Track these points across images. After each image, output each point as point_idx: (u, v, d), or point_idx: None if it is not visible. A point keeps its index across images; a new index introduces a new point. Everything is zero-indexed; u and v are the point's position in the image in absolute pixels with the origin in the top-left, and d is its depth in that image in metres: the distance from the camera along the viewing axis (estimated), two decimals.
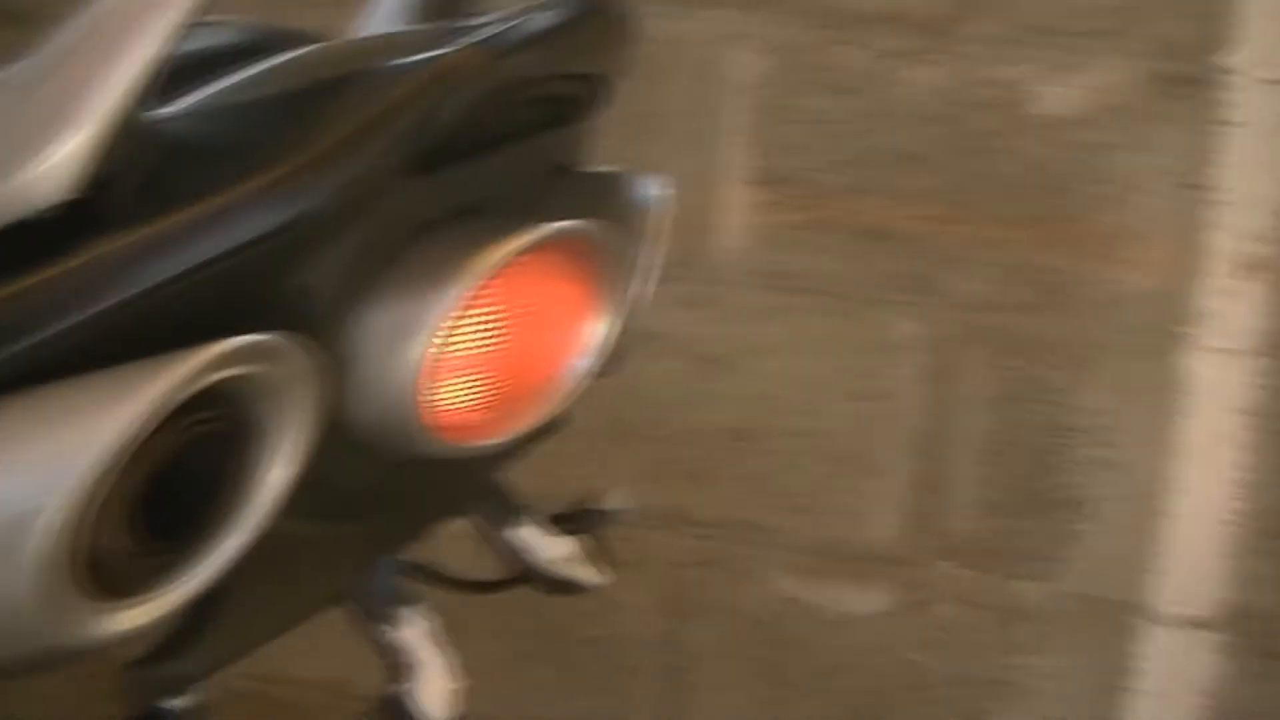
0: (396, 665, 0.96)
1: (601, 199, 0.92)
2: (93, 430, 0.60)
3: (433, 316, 0.74)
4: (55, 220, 0.64)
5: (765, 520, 1.67)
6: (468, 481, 0.99)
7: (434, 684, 0.96)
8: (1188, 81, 1.50)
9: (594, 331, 0.88)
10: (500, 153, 0.82)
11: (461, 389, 0.80)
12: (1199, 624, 1.61)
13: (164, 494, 0.65)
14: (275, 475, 0.70)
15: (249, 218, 0.67)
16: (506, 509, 1.03)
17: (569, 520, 1.06)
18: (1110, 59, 1.53)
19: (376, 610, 0.97)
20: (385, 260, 0.75)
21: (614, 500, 1.08)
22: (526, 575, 1.04)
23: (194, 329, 0.64)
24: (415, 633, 0.97)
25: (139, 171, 0.67)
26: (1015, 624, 1.64)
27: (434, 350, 0.74)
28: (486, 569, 1.05)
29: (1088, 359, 1.59)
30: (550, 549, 1.04)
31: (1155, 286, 1.56)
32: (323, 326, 0.72)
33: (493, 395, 0.83)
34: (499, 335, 0.81)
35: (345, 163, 0.70)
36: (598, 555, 1.06)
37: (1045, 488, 1.62)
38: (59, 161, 0.62)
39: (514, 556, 1.03)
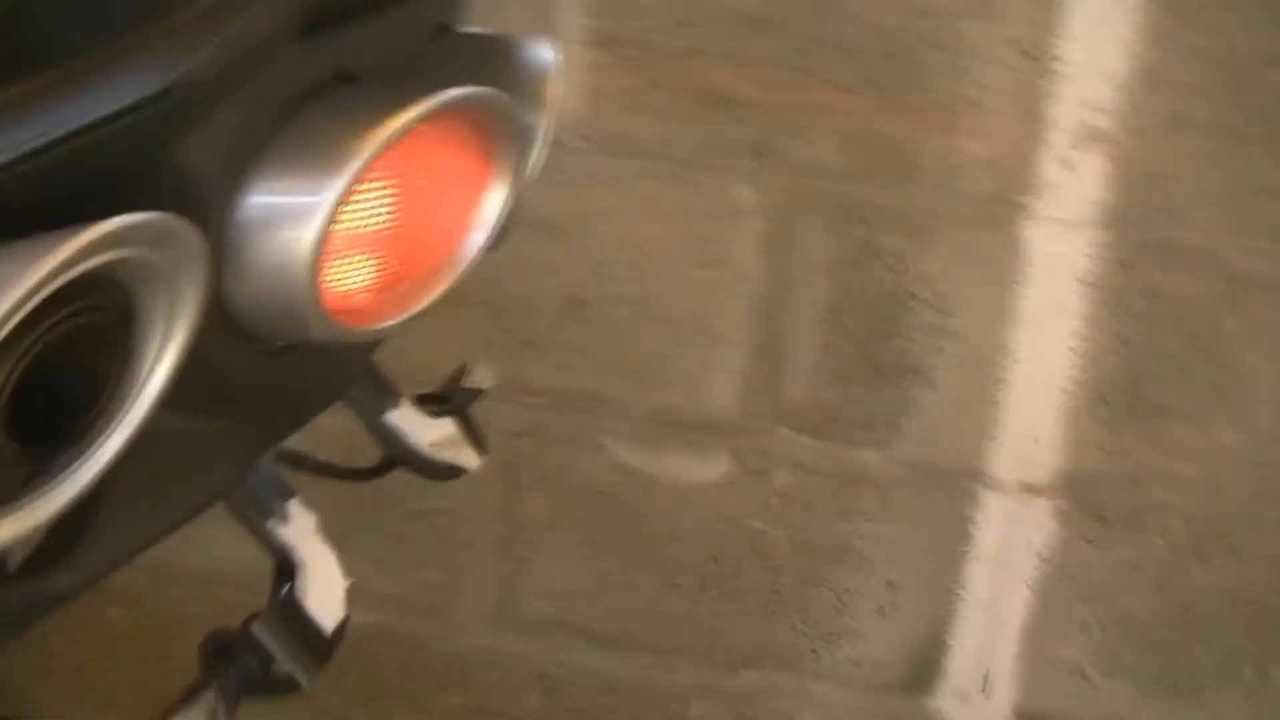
0: (285, 562, 1.01)
1: (493, 64, 0.94)
2: None
3: (329, 194, 0.74)
4: None
5: (602, 389, 1.78)
6: (346, 367, 1.01)
7: (324, 582, 1.01)
8: None
9: (490, 204, 0.89)
10: (381, 13, 0.83)
11: (353, 270, 0.81)
12: (1035, 490, 1.80)
13: (36, 394, 0.63)
14: (159, 368, 0.69)
15: (121, 84, 0.64)
16: (383, 393, 1.08)
17: (440, 401, 1.11)
18: None
19: (262, 505, 1.01)
20: (268, 133, 0.74)
21: (480, 378, 1.13)
22: (405, 460, 1.09)
23: (59, 212, 0.61)
24: (300, 527, 1.02)
25: None
26: (854, 490, 1.78)
27: (331, 229, 0.74)
28: (353, 456, 1.11)
29: (928, 228, 1.72)
30: (427, 432, 1.09)
31: (996, 156, 1.66)
32: (205, 207, 0.71)
33: (385, 276, 0.84)
34: (392, 211, 0.82)
35: (223, 24, 0.68)
36: (472, 437, 1.12)
37: (885, 355, 1.77)
38: None
39: (394, 440, 1.08)
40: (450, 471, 1.11)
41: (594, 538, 1.85)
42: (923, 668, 1.84)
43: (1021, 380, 1.73)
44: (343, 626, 1.03)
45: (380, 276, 0.83)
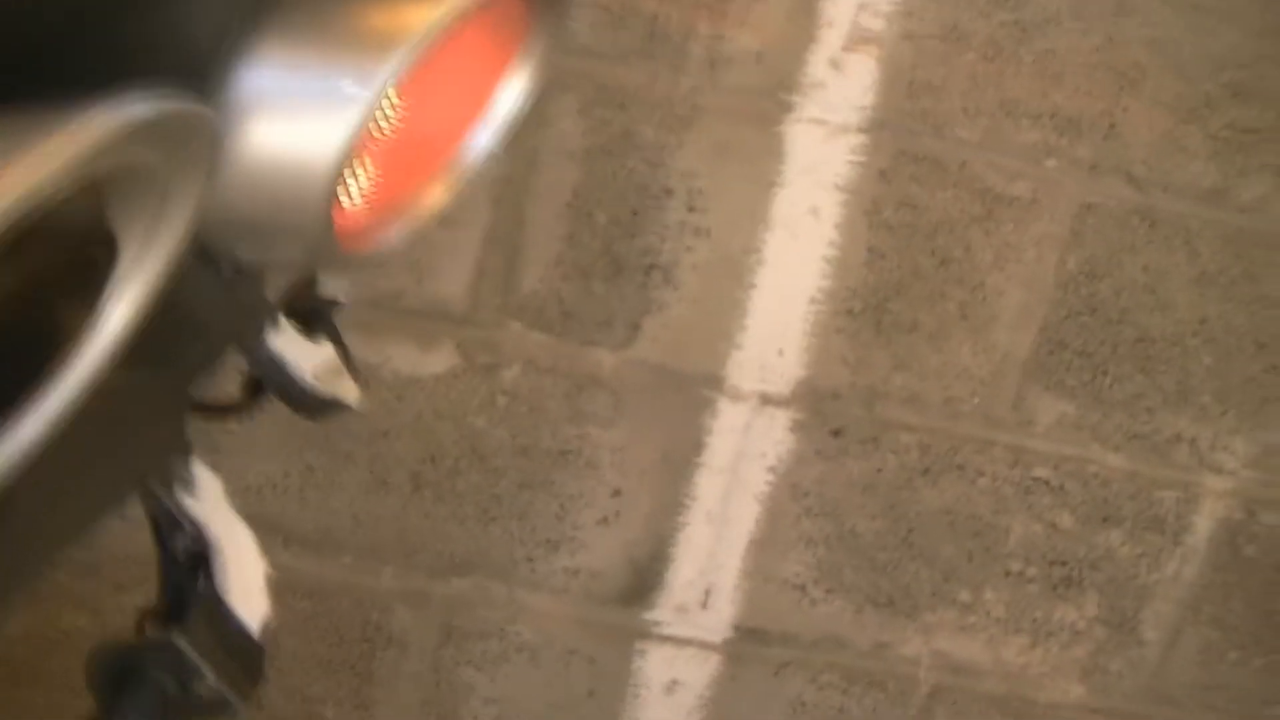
0: (196, 544, 0.84)
1: None
2: None
3: (378, 78, 0.60)
4: None
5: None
6: (255, 293, 0.85)
7: (243, 569, 0.85)
8: None
9: (505, 96, 0.77)
10: None
11: (354, 181, 0.69)
12: (773, 401, 1.81)
13: None
14: (120, 307, 0.54)
15: None
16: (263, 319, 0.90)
17: (309, 316, 0.94)
18: None
19: (170, 472, 0.84)
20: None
21: (335, 290, 0.98)
22: (280, 390, 0.91)
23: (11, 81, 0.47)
24: (209, 496, 0.86)
25: None
26: (586, 393, 1.75)
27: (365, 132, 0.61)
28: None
29: (686, 119, 1.69)
30: (308, 356, 0.93)
31: (765, 49, 1.65)
32: (202, 81, 0.57)
33: (381, 186, 0.71)
34: (401, 110, 0.68)
35: None
36: (350, 364, 0.97)
37: (629, 251, 1.73)
38: None
39: (271, 367, 0.90)
40: (330, 406, 0.95)
41: (297, 429, 1.75)
42: (643, 579, 1.83)
43: (770, 287, 1.71)
44: (267, 628, 0.87)
45: (376, 187, 0.70)
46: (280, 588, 1.76)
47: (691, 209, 1.68)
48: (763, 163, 1.67)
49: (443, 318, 1.71)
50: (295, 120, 0.60)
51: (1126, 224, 1.73)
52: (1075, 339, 1.77)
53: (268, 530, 1.76)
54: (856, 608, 1.87)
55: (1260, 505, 1.87)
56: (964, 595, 1.88)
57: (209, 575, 0.84)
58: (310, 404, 0.93)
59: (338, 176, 0.61)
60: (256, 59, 0.59)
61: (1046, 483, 1.84)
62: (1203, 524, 1.88)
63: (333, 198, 0.62)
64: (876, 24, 1.61)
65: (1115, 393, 1.80)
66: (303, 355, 0.92)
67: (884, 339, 1.75)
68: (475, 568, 1.81)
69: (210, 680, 0.82)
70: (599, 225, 1.69)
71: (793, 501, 1.81)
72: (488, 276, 1.70)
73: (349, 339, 1.68)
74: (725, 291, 1.72)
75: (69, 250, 0.48)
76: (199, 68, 0.57)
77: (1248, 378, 1.80)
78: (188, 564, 0.84)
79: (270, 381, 0.91)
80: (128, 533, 1.70)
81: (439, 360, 1.73)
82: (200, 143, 0.51)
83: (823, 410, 1.78)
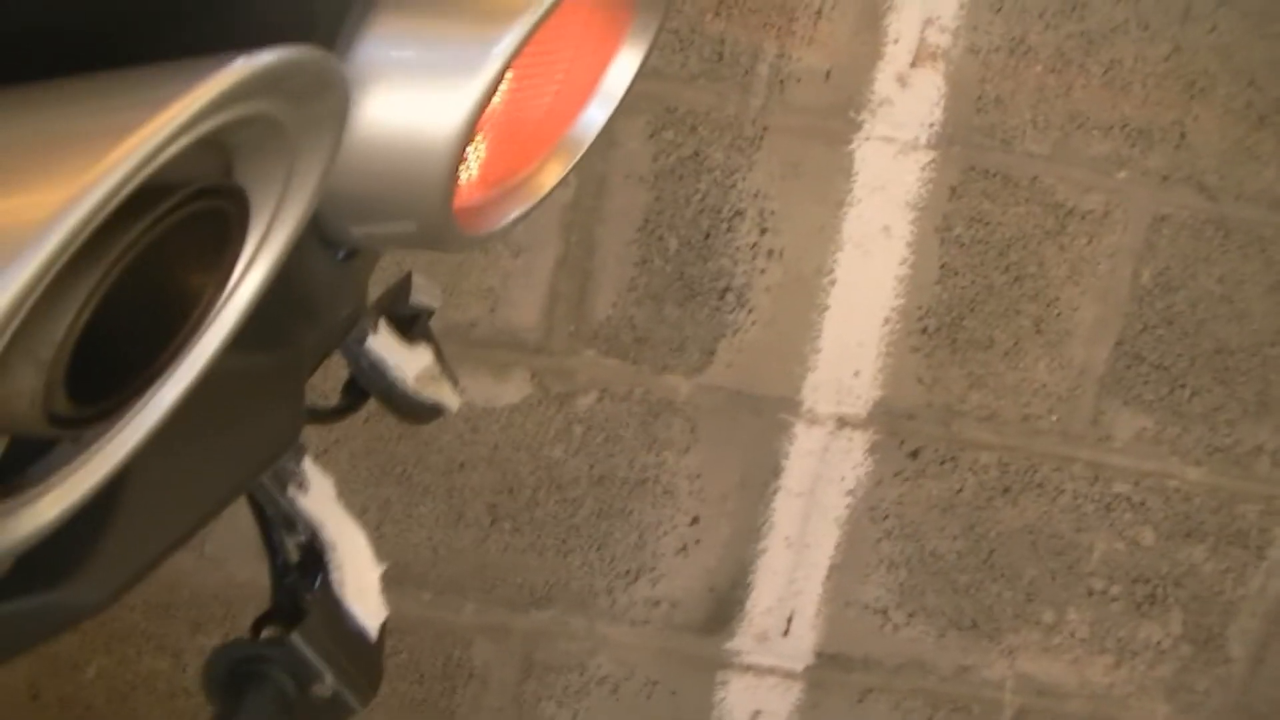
0: (311, 544, 0.83)
1: None
2: (38, 199, 0.40)
3: (505, 41, 0.59)
4: None
5: None
6: (364, 281, 0.84)
7: (358, 570, 0.85)
8: None
9: (617, 71, 0.75)
10: None
11: (471, 156, 0.67)
12: (849, 423, 1.80)
13: (102, 331, 0.46)
14: (249, 280, 0.52)
15: None
16: (365, 313, 0.89)
17: (408, 322, 0.94)
18: None
19: (284, 470, 0.83)
20: None
21: (428, 297, 0.96)
22: (384, 396, 0.92)
23: (128, 34, 0.46)
24: (321, 494, 0.85)
25: None
26: (662, 419, 1.76)
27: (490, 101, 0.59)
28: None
29: (755, 139, 1.69)
30: (410, 363, 0.92)
31: (833, 67, 1.65)
32: (326, 38, 0.56)
33: (494, 164, 0.70)
34: (515, 85, 0.67)
35: None
36: (448, 370, 0.96)
37: (702, 274, 1.74)
38: None
39: (375, 373, 0.91)
40: (432, 412, 0.94)
41: (374, 463, 1.75)
42: (723, 608, 1.82)
43: (843, 307, 1.71)
44: (384, 630, 0.85)
45: (490, 165, 0.68)
46: None
47: (763, 230, 1.68)
48: (833, 182, 1.67)
49: (516, 347, 1.71)
50: (417, 92, 0.59)
51: (1200, 234, 1.72)
52: (1152, 352, 1.76)
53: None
54: (939, 631, 1.85)
55: None
56: (1047, 616, 1.86)
57: (325, 576, 0.83)
58: (413, 409, 0.93)
59: (460, 149, 0.61)
60: (373, 31, 0.59)
61: (1127, 499, 1.82)
62: None
63: (455, 171, 0.62)
64: (943, 39, 1.61)
65: (1194, 405, 1.79)
66: (403, 360, 0.91)
67: (959, 357, 1.74)
68: (555, 600, 1.81)
69: (329, 682, 0.82)
70: (671, 249, 1.69)
71: (872, 524, 1.80)
72: (560, 304, 1.70)
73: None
74: (799, 313, 1.72)
75: (202, 211, 0.47)
76: (321, 39, 0.56)
77: None
78: (302, 565, 0.83)
79: (373, 386, 0.91)
80: (203, 572, 1.70)
81: (514, 390, 1.73)
82: (331, 98, 0.50)
83: (899, 431, 1.77)
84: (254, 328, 0.54)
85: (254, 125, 0.47)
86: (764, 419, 1.75)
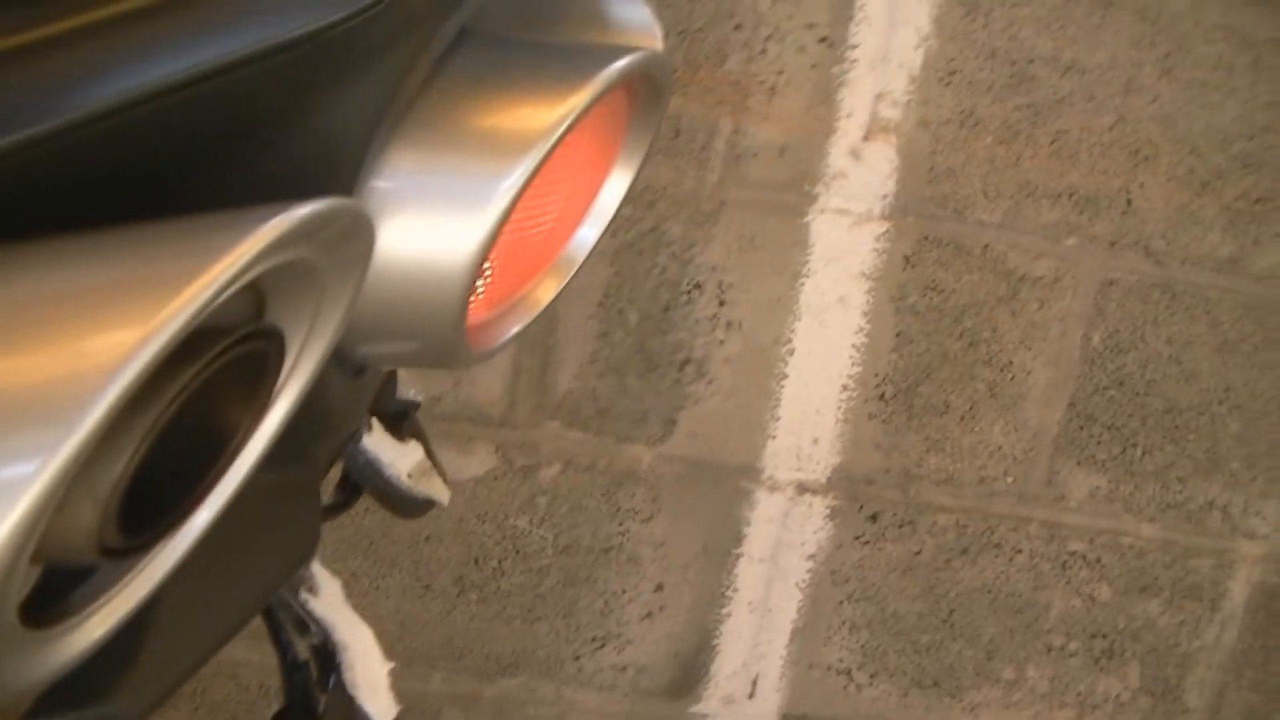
0: (325, 645, 0.86)
1: (600, 9, 0.79)
2: (104, 343, 0.42)
3: (514, 176, 0.62)
4: None
5: None
6: (370, 392, 0.87)
7: (368, 668, 0.87)
8: None
9: (609, 192, 0.78)
10: None
11: (481, 279, 0.69)
12: (809, 489, 1.83)
13: (154, 464, 0.48)
14: (280, 404, 0.55)
15: (296, 11, 0.53)
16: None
17: (396, 418, 0.97)
18: None
19: (296, 575, 0.86)
20: (406, 103, 0.62)
21: (412, 391, 0.99)
22: (378, 492, 0.95)
23: (172, 177, 0.49)
24: (331, 597, 0.88)
25: None
26: (625, 489, 1.79)
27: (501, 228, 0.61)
28: None
29: (713, 214, 1.73)
30: (402, 459, 0.95)
31: (788, 142, 1.69)
32: (345, 182, 0.59)
33: (497, 283, 0.72)
34: (525, 211, 0.69)
35: None
36: (436, 464, 0.99)
37: (661, 347, 1.76)
38: None
39: (370, 470, 0.94)
40: (424, 505, 0.97)
41: (341, 536, 1.76)
42: (689, 672, 1.84)
43: (801, 376, 1.74)
44: None
45: (493, 284, 0.71)
46: None
47: (722, 302, 1.71)
48: (789, 254, 1.70)
49: (481, 421, 1.73)
50: (433, 223, 0.62)
51: (1148, 297, 1.76)
52: (1104, 413, 1.80)
53: None
54: (902, 690, 1.88)
55: None
56: (1008, 673, 1.89)
57: (339, 675, 0.86)
58: (406, 503, 0.96)
59: (474, 277, 0.63)
60: (390, 164, 0.62)
61: (1083, 556, 1.85)
62: (1239, 589, 1.89)
63: (468, 296, 0.64)
64: (894, 113, 1.65)
65: (1146, 464, 1.82)
66: (397, 457, 0.95)
67: (916, 422, 1.77)
68: (523, 667, 1.82)
69: None
70: (631, 322, 1.71)
71: (834, 588, 1.83)
72: (523, 378, 1.72)
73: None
74: (758, 382, 1.74)
75: (245, 353, 0.50)
76: (344, 178, 0.60)
77: (1275, 442, 1.82)
78: (314, 664, 0.86)
79: (368, 482, 0.94)
80: None
81: (478, 463, 1.75)
82: (358, 241, 0.54)
83: (859, 496, 1.80)
84: (276, 448, 0.57)
85: (289, 268, 0.51)
86: (725, 487, 1.78)
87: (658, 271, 1.69)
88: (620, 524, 1.78)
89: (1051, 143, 1.69)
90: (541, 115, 0.63)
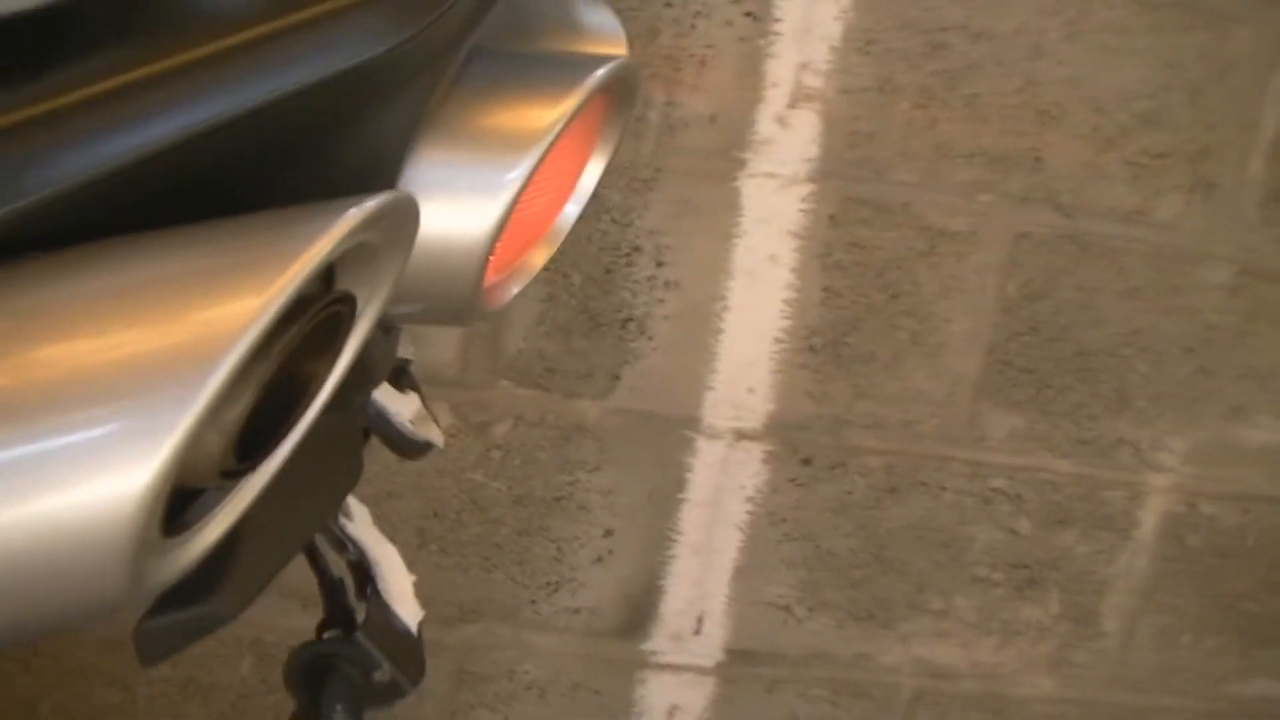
0: (361, 562, 1.00)
1: (575, 19, 0.95)
2: (233, 310, 0.54)
3: (520, 169, 0.75)
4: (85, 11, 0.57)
5: None
6: (395, 350, 1.03)
7: (398, 580, 1.03)
8: None
9: (588, 176, 0.94)
10: None
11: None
12: (746, 436, 1.94)
13: (261, 404, 0.60)
14: (346, 356, 0.68)
15: (365, 34, 0.64)
16: None
17: (396, 373, 1.11)
18: None
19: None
20: (436, 106, 0.75)
21: (406, 350, 1.13)
22: (385, 436, 1.09)
23: (250, 182, 0.60)
24: (363, 522, 1.03)
25: None
26: (574, 441, 1.88)
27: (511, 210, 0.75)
28: None
29: (650, 181, 1.82)
30: (404, 407, 1.10)
31: (718, 112, 1.78)
32: (387, 179, 0.72)
33: (505, 254, 0.86)
34: (528, 192, 0.82)
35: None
36: (431, 412, 1.13)
37: (604, 307, 1.86)
38: None
39: (378, 417, 1.07)
40: (425, 448, 1.12)
41: None
42: (639, 612, 1.95)
43: (736, 331, 1.84)
44: (421, 627, 1.03)
45: (500, 254, 0.84)
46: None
47: (660, 264, 1.81)
48: (722, 216, 1.80)
49: (437, 382, 1.83)
50: (456, 206, 0.76)
51: (1058, 248, 1.87)
52: (1020, 357, 1.91)
53: (284, 594, 1.87)
54: (839, 623, 1.99)
55: (1200, 498, 2.01)
56: (937, 603, 2.01)
57: (374, 586, 1.01)
58: (410, 446, 1.10)
59: (491, 248, 0.77)
60: (419, 161, 0.75)
61: (1004, 492, 1.97)
62: (1149, 519, 2.02)
63: (486, 265, 0.78)
64: (817, 82, 1.75)
65: (1060, 404, 1.94)
66: (401, 407, 1.09)
67: (844, 371, 1.88)
68: (483, 614, 1.93)
69: (387, 670, 1.01)
70: (575, 285, 1.81)
71: (771, 528, 1.94)
72: (476, 340, 1.82)
73: None
74: (696, 338, 1.85)
75: (331, 314, 0.63)
76: (383, 172, 0.73)
77: (1179, 381, 1.95)
78: (352, 577, 1.01)
79: (378, 430, 1.08)
80: None
81: None
82: (409, 224, 0.66)
83: (793, 441, 1.91)
84: (335, 394, 0.70)
85: (356, 246, 0.63)
86: (668, 437, 1.88)
87: (599, 236, 1.79)
88: (570, 475, 1.88)
89: (965, 106, 1.80)
90: (541, 117, 0.77)
